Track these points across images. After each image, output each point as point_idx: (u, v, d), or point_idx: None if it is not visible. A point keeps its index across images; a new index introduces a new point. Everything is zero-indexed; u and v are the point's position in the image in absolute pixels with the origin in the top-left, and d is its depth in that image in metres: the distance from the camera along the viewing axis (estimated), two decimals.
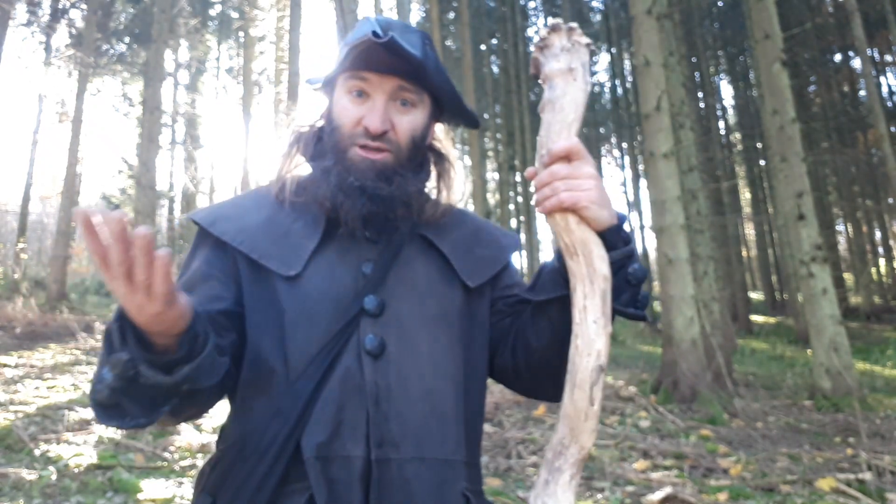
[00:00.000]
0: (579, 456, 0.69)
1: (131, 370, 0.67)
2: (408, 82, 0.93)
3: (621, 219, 0.82)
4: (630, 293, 0.84)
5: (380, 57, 0.89)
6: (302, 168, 1.01)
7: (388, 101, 0.93)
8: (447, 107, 1.02)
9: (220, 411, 0.88)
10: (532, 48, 0.82)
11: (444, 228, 1.00)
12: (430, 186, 1.03)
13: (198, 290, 0.89)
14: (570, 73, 0.78)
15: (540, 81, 0.81)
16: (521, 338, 0.95)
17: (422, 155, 1.00)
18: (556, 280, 0.86)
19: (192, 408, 0.79)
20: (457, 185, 1.05)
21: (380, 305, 0.89)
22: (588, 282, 0.74)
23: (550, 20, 0.81)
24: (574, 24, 0.80)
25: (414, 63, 0.89)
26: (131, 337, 0.68)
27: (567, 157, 0.77)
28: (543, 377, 0.94)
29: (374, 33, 0.85)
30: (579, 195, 0.76)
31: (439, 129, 1.06)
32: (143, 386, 0.68)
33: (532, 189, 0.80)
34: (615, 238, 0.80)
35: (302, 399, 0.83)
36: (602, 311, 0.73)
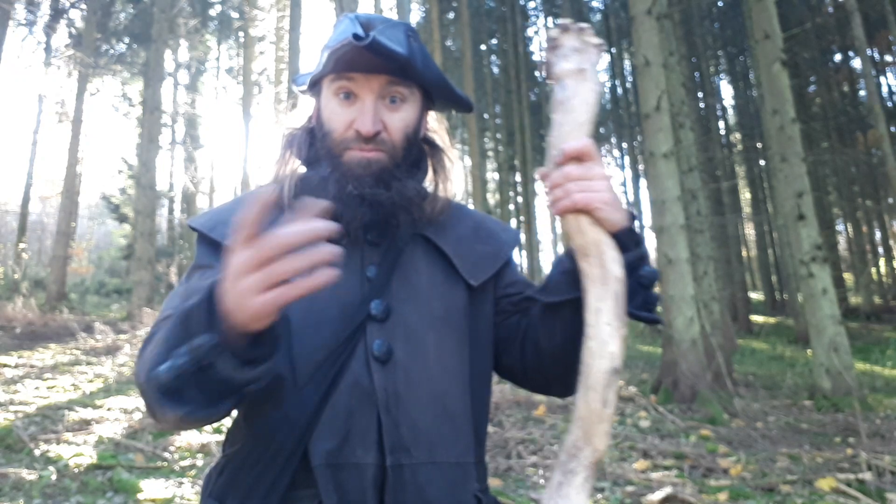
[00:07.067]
0: (593, 458, 0.69)
1: (211, 358, 0.64)
2: (395, 78, 0.91)
3: (633, 220, 0.81)
4: (642, 296, 0.83)
5: (364, 58, 0.87)
6: (298, 171, 0.99)
7: (376, 100, 0.91)
8: (438, 96, 1.00)
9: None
10: (542, 49, 0.81)
11: (444, 226, 0.99)
12: (428, 181, 1.02)
13: None
14: (581, 74, 0.77)
15: (550, 82, 0.80)
16: (530, 337, 0.94)
17: (417, 150, 0.98)
18: (568, 282, 0.84)
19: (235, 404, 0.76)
20: (454, 176, 1.03)
21: (385, 310, 0.88)
22: (601, 284, 0.73)
23: (561, 21, 0.80)
24: (585, 25, 0.79)
25: (400, 61, 0.88)
26: (218, 323, 0.64)
27: (579, 158, 0.76)
28: (552, 377, 0.93)
29: (356, 36, 0.84)
30: (592, 196, 0.75)
31: (432, 117, 1.04)
32: (210, 377, 0.65)
33: (544, 190, 0.79)
34: (627, 240, 0.79)
35: (309, 406, 0.83)
36: (615, 313, 0.72)
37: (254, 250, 0.61)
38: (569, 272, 0.84)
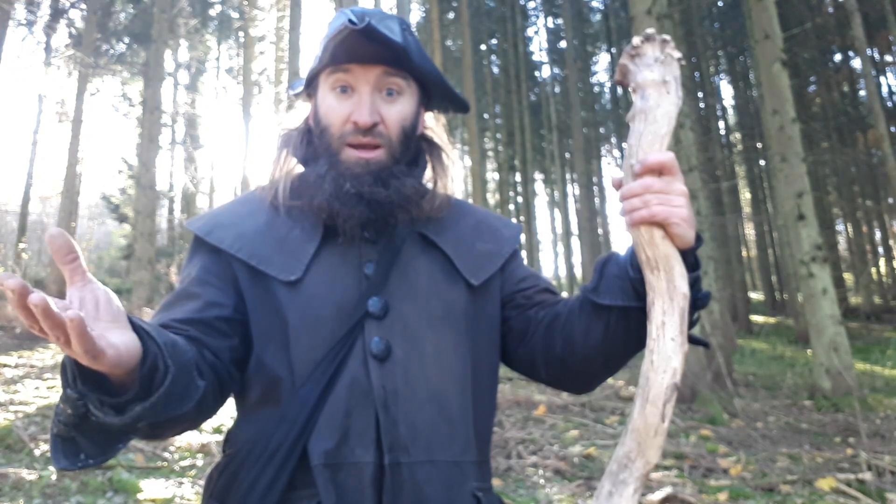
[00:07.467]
0: (644, 470, 0.70)
1: (81, 408, 0.65)
2: (392, 68, 0.91)
3: (699, 242, 0.81)
4: (690, 317, 0.82)
5: (360, 46, 0.87)
6: (294, 171, 0.99)
7: (373, 91, 0.91)
8: (434, 92, 1.00)
9: (223, 412, 0.87)
10: (622, 55, 0.81)
11: (444, 224, 0.98)
12: (426, 178, 1.01)
13: (195, 296, 0.88)
14: (664, 86, 0.77)
15: (629, 89, 0.80)
16: (561, 330, 0.92)
17: (415, 146, 0.98)
18: (624, 288, 0.84)
19: (171, 431, 0.77)
20: (452, 173, 1.03)
21: (384, 307, 0.88)
22: (668, 298, 0.74)
23: (647, 30, 0.79)
24: (667, 37, 0.79)
25: (396, 48, 0.88)
26: (80, 374, 0.64)
27: (660, 171, 0.76)
28: (575, 373, 0.93)
29: (351, 21, 0.84)
30: (672, 210, 0.75)
31: (429, 117, 1.04)
32: (92, 425, 0.66)
33: (618, 198, 0.79)
34: (691, 260, 0.79)
35: (308, 405, 0.82)
36: (680, 328, 0.73)
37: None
38: (626, 279, 0.83)
